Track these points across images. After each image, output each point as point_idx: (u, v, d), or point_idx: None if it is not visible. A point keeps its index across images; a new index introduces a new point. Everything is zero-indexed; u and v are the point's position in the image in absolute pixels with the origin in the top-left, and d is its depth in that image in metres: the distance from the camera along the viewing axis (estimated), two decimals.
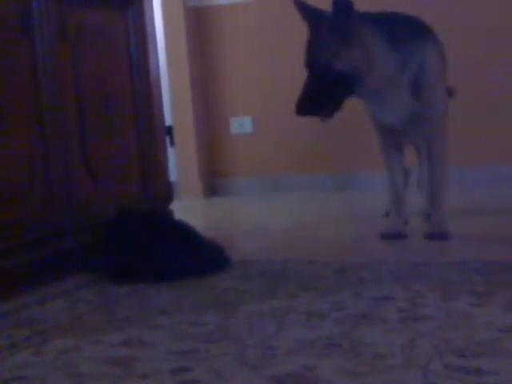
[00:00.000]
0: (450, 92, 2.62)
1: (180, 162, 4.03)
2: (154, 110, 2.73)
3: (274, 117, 3.88)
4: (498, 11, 3.53)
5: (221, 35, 3.99)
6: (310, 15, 2.26)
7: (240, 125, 3.99)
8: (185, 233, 2.06)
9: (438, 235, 2.34)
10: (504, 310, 1.52)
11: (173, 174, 3.68)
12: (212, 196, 4.03)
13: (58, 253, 2.12)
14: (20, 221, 2.02)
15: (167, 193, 2.73)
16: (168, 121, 3.81)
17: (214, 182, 4.07)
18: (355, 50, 2.16)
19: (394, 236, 2.39)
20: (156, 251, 1.96)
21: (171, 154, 3.85)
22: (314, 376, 1.22)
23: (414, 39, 2.29)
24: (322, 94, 2.20)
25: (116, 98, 2.48)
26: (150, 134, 2.66)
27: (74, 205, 2.21)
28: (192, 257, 1.96)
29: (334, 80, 2.17)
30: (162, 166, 2.75)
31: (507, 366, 1.20)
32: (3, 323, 1.67)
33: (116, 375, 1.29)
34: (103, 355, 1.40)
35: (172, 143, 3.99)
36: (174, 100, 3.99)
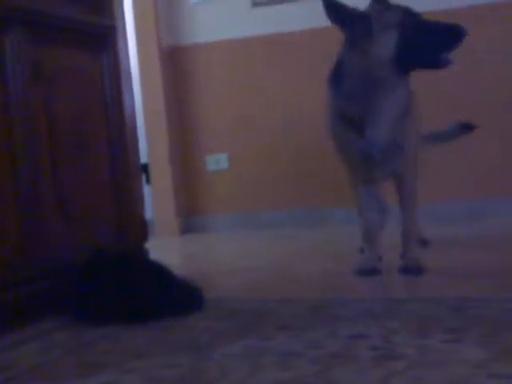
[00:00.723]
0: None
1: (156, 200, 4.03)
2: (129, 149, 2.73)
3: (250, 154, 3.91)
4: None
5: (196, 73, 4.02)
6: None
7: (216, 162, 4.01)
8: (159, 273, 2.05)
9: (412, 270, 2.36)
10: (478, 346, 1.52)
11: (148, 212, 3.68)
12: (188, 233, 4.02)
13: (31, 295, 2.11)
14: None
15: (142, 232, 2.72)
16: (144, 158, 3.83)
17: (190, 220, 4.07)
18: None
19: (369, 272, 2.40)
20: (129, 293, 1.95)
21: (147, 191, 3.86)
22: None
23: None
24: None
25: (90, 137, 2.48)
26: (125, 173, 2.65)
27: (48, 246, 2.20)
28: (166, 297, 1.95)
29: None
30: (137, 205, 2.75)
31: None
32: None
33: None
34: None
35: (148, 181, 3.99)
36: (149, 138, 4.00)
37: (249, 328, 1.79)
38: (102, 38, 2.56)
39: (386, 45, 2.20)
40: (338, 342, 1.62)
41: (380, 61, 2.20)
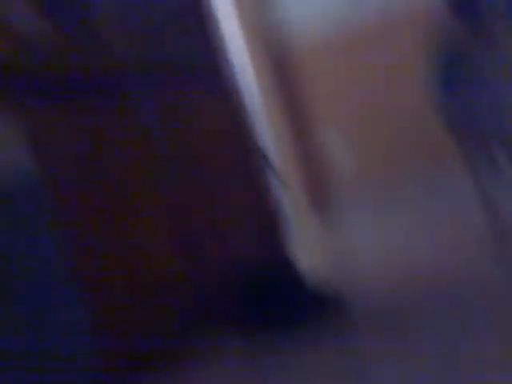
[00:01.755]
0: None
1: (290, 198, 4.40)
2: (263, 171, 3.09)
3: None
4: None
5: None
6: None
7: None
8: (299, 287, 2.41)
9: None
10: None
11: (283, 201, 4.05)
12: (323, 218, 4.36)
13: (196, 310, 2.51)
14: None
15: (283, 240, 3.08)
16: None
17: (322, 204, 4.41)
18: None
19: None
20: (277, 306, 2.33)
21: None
22: None
23: None
24: None
25: (230, 165, 2.85)
26: (264, 190, 3.01)
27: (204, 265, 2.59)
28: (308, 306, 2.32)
29: None
30: (274, 214, 3.11)
31: None
32: None
33: None
34: None
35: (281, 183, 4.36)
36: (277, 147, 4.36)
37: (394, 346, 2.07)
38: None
39: None
40: None
41: None
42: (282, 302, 2.35)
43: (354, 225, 4.06)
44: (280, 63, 4.31)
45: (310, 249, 3.79)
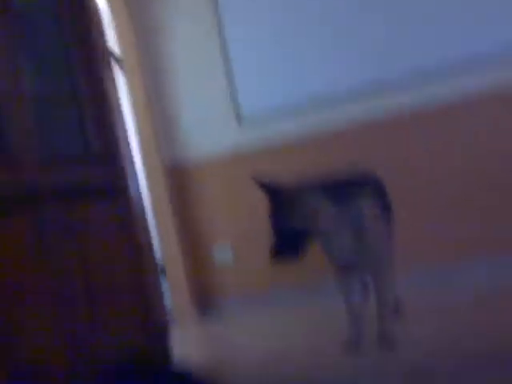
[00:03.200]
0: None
1: (173, 293, 4.67)
2: (146, 264, 3.36)
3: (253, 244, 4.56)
4: None
5: (195, 185, 4.70)
6: (265, 190, 2.93)
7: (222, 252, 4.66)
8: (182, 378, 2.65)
9: (387, 344, 2.95)
10: None
11: (168, 302, 4.35)
12: (205, 318, 4.63)
13: None
14: None
15: (165, 333, 3.31)
16: (160, 260, 4.49)
17: (205, 307, 4.69)
18: (297, 215, 2.84)
19: (354, 346, 3.02)
20: None
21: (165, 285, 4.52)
22: None
23: (349, 197, 2.96)
24: (285, 246, 2.87)
25: (115, 265, 3.08)
26: (145, 283, 3.25)
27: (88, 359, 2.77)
28: None
29: (289, 235, 2.87)
30: (158, 310, 3.34)
31: None
32: None
33: None
34: None
35: (165, 279, 4.63)
36: (163, 243, 4.66)
37: None
38: (115, 186, 3.20)
39: None
40: None
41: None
42: None
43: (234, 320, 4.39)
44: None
45: (190, 341, 4.06)
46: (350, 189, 3.00)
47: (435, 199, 4.27)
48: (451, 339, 2.90)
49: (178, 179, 4.72)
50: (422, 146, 4.28)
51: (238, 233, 4.63)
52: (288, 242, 2.85)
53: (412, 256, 4.16)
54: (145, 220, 3.52)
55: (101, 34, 3.37)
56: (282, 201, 2.85)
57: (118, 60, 4.77)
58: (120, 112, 3.41)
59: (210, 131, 4.66)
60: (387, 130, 4.31)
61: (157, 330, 3.23)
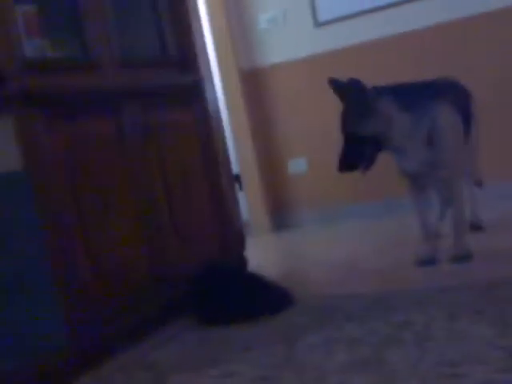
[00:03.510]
0: (478, 183, 3.34)
1: (250, 203, 4.68)
2: (222, 172, 3.36)
3: (326, 157, 4.48)
4: None
5: (273, 90, 4.61)
6: (341, 91, 2.83)
7: (297, 165, 4.61)
8: (256, 280, 2.68)
9: (461, 258, 2.89)
10: (492, 325, 2.05)
11: (245, 214, 4.36)
12: (279, 229, 4.65)
13: (163, 304, 2.76)
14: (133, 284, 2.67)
15: (240, 242, 3.35)
16: (236, 169, 4.48)
17: (279, 217, 4.70)
18: (373, 119, 2.74)
19: (427, 262, 2.95)
20: (235, 298, 2.59)
21: (242, 197, 4.52)
22: None
23: (424, 104, 2.84)
24: (355, 154, 2.77)
25: (192, 173, 3.11)
26: (221, 195, 3.27)
27: (169, 264, 2.85)
28: (263, 300, 2.58)
29: (361, 142, 2.76)
30: (234, 220, 3.37)
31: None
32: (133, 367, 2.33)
33: None
34: None
35: (241, 188, 4.63)
36: (239, 152, 4.64)
37: (325, 321, 2.39)
38: (192, 91, 3.17)
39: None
40: (390, 328, 2.19)
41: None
42: (238, 298, 2.63)
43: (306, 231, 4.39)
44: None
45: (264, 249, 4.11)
46: (427, 95, 2.88)
47: None
48: None
49: (254, 82, 4.65)
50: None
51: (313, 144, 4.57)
52: (358, 149, 2.75)
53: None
54: (221, 126, 3.51)
55: None
56: (355, 104, 2.75)
57: None
58: (197, 16, 3.36)
59: (286, 35, 4.54)
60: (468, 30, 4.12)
61: (233, 240, 3.26)
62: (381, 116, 2.76)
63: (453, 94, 3.05)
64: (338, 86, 2.84)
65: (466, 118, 3.09)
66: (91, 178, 2.52)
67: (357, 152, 2.77)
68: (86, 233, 2.46)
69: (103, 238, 2.52)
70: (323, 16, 4.41)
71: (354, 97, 2.76)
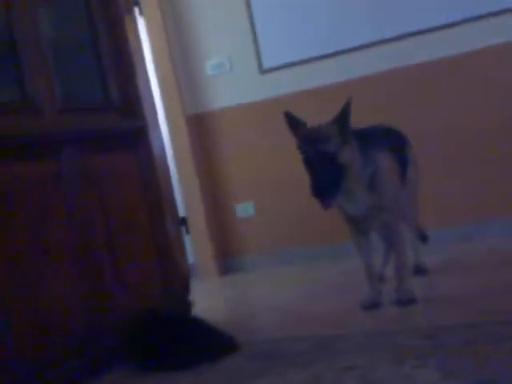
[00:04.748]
0: (423, 238, 3.41)
1: (196, 247, 4.63)
2: (167, 216, 3.32)
3: (273, 201, 4.49)
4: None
5: (218, 134, 4.62)
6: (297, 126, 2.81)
7: (244, 209, 4.59)
8: (199, 327, 2.64)
9: (405, 302, 2.89)
10: (436, 369, 2.04)
11: (191, 257, 4.33)
12: (226, 273, 4.61)
13: (101, 351, 2.69)
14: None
15: (185, 286, 3.30)
16: (182, 213, 4.45)
17: (226, 261, 4.66)
18: (351, 149, 2.75)
19: (372, 306, 2.94)
20: (177, 346, 2.53)
21: (188, 240, 4.48)
22: None
23: (368, 149, 2.86)
24: (329, 177, 2.68)
25: (135, 217, 3.06)
26: (166, 237, 3.22)
27: (110, 311, 2.78)
28: (205, 347, 2.53)
29: (334, 167, 2.69)
30: (178, 264, 3.32)
31: None
32: None
33: None
34: None
35: (187, 231, 4.59)
36: (186, 195, 4.61)
37: (269, 367, 2.35)
38: (135, 136, 3.14)
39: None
40: (334, 372, 2.17)
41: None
42: (180, 345, 2.57)
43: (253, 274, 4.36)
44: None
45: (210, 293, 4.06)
46: (369, 140, 2.90)
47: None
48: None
49: (201, 127, 4.66)
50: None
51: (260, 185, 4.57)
52: (331, 172, 2.68)
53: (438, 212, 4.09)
54: (167, 170, 3.48)
55: None
56: (337, 126, 2.71)
57: (138, 4, 4.65)
58: (141, 59, 3.35)
59: (232, 81, 4.57)
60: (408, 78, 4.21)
61: (178, 285, 3.21)
62: (352, 148, 2.77)
63: (390, 139, 3.11)
64: (292, 121, 2.80)
65: (403, 162, 3.14)
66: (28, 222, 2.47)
67: (330, 176, 2.68)
68: (22, 277, 2.40)
69: (40, 284, 2.46)
70: (268, 63, 4.46)
71: (339, 119, 2.74)
